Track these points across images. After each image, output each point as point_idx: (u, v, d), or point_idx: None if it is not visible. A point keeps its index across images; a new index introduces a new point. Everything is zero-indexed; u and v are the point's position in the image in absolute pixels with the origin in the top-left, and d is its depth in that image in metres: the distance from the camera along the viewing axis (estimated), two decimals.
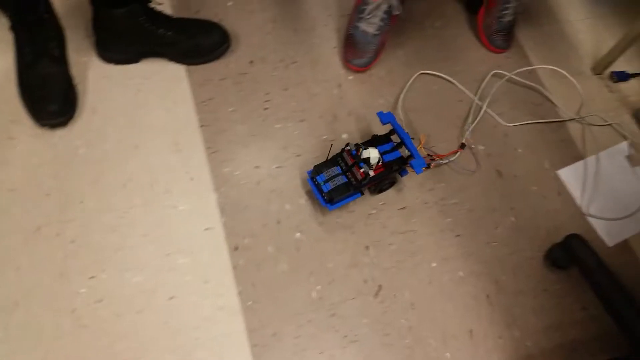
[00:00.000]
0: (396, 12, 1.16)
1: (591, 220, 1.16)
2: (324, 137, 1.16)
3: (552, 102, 1.27)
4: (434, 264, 1.07)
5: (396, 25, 1.25)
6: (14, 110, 1.09)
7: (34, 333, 0.92)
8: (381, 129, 1.14)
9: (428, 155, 1.15)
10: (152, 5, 1.09)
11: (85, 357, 0.91)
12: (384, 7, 1.15)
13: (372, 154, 0.99)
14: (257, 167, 1.10)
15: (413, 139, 1.10)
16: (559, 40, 1.37)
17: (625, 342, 1.01)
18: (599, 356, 1.02)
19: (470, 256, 1.08)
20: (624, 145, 1.26)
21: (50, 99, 1.07)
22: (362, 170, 0.99)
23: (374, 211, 1.10)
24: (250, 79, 1.19)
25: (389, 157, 1.04)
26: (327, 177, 1.01)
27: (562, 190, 1.18)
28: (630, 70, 1.36)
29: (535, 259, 1.10)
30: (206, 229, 1.03)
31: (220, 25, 1.19)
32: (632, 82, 1.36)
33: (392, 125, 1.04)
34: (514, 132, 1.22)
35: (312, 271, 1.03)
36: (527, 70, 1.30)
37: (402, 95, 1.22)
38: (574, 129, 1.25)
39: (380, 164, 1.02)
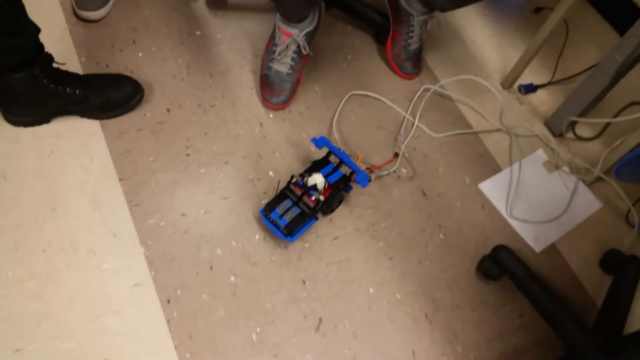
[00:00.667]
0: (305, 52, 1.19)
1: (517, 228, 1.21)
2: (251, 176, 1.16)
3: (468, 120, 1.34)
4: (371, 290, 1.08)
5: (309, 61, 1.29)
6: None
7: None
8: (313, 155, 1.16)
9: (367, 168, 1.19)
10: (56, 65, 1.07)
11: None
12: (293, 47, 1.18)
13: (318, 179, 1.05)
14: (183, 215, 1.09)
15: (350, 156, 1.14)
16: (466, 60, 1.45)
17: (561, 344, 1.04)
18: None
19: (405, 277, 1.10)
20: (539, 153, 1.33)
21: None
22: (312, 197, 1.04)
23: (307, 244, 1.10)
24: (169, 126, 1.18)
25: (333, 178, 1.09)
26: (280, 212, 1.04)
27: (485, 204, 1.22)
28: (536, 82, 1.45)
29: (468, 272, 1.13)
30: (135, 285, 1.00)
31: (130, 78, 1.18)
32: (540, 93, 1.44)
33: (327, 147, 1.11)
34: (434, 153, 1.27)
35: (250, 314, 1.01)
36: (441, 90, 1.36)
37: (335, 117, 1.27)
38: (490, 142, 1.31)
39: (326, 186, 1.07)
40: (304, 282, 1.06)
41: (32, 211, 1.04)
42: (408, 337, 1.04)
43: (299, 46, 1.18)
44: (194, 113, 1.22)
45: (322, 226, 1.13)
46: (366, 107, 1.31)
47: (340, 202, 1.14)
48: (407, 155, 1.25)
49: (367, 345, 1.02)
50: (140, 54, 1.28)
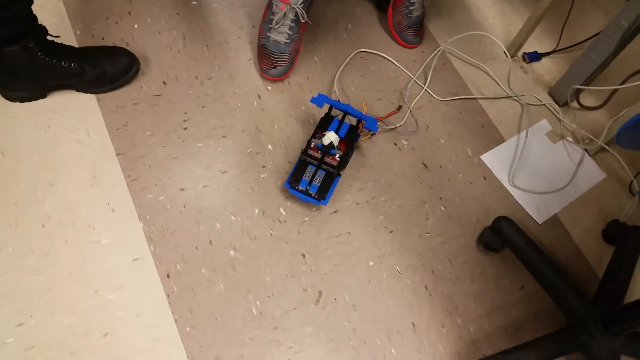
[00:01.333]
0: (304, 20, 1.16)
1: (519, 199, 1.19)
2: (249, 150, 1.15)
3: (472, 89, 1.31)
4: (371, 263, 1.08)
5: (309, 31, 1.26)
6: None
7: None
8: (312, 127, 1.14)
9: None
10: (50, 37, 1.05)
11: None
12: (291, 15, 1.15)
13: (332, 136, 1.06)
14: (182, 189, 1.08)
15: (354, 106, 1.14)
16: (470, 28, 1.41)
17: (562, 315, 1.04)
18: (542, 332, 1.05)
19: (405, 250, 1.10)
20: (543, 123, 1.31)
21: None
22: (335, 156, 1.06)
23: (306, 218, 1.10)
24: (166, 100, 1.16)
25: (343, 132, 1.09)
26: (308, 180, 1.06)
27: (487, 175, 1.21)
28: (540, 50, 1.41)
29: (469, 245, 1.13)
30: (134, 260, 1.00)
31: (126, 50, 1.16)
32: (545, 61, 1.41)
33: (328, 103, 1.11)
34: (436, 124, 1.25)
35: (250, 287, 1.02)
36: (449, 53, 1.33)
37: (337, 75, 1.25)
38: (492, 112, 1.29)
39: (339, 141, 1.08)
40: (303, 255, 1.06)
41: (30, 187, 1.04)
42: (408, 310, 1.04)
43: (297, 14, 1.15)
44: (191, 86, 1.20)
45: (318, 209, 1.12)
46: (369, 69, 1.29)
47: (352, 152, 1.15)
48: (411, 110, 1.24)
49: (367, 318, 1.02)
50: (136, 26, 1.25)
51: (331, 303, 1.03)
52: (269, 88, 1.23)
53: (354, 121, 1.13)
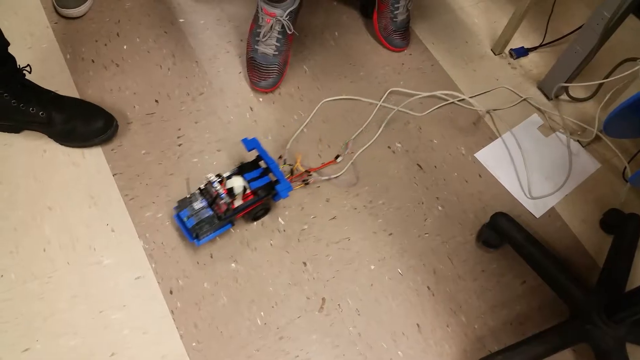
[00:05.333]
0: (290, 32, 1.17)
1: (516, 195, 1.20)
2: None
3: (461, 87, 1.32)
4: (372, 267, 1.08)
5: (296, 41, 1.27)
6: None
7: None
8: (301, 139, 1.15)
9: (306, 171, 1.13)
10: (28, 78, 1.04)
11: None
12: (277, 27, 1.16)
13: (236, 183, 0.97)
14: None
15: (282, 158, 1.12)
16: (455, 28, 1.43)
17: (564, 307, 1.05)
18: (546, 325, 1.05)
19: (405, 252, 1.10)
20: (534, 118, 1.32)
21: None
22: (223, 201, 0.97)
23: (305, 226, 1.10)
24: (159, 117, 1.17)
25: (258, 184, 1.01)
26: (191, 212, 0.98)
27: (482, 172, 1.22)
28: (527, 45, 1.43)
29: (468, 242, 1.13)
30: (137, 278, 1.00)
31: (104, 112, 1.11)
32: (532, 56, 1.42)
33: (257, 150, 1.04)
34: (427, 126, 1.26)
35: (254, 299, 1.02)
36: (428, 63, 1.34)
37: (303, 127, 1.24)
38: (483, 110, 1.30)
39: (248, 192, 1.00)
40: (304, 263, 1.07)
41: (29, 212, 1.04)
42: (412, 311, 1.04)
43: (283, 26, 1.16)
44: (183, 102, 1.21)
45: (320, 207, 1.13)
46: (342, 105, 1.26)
47: (266, 211, 1.08)
48: (353, 161, 1.17)
49: (372, 322, 1.02)
50: (125, 47, 1.26)
51: (335, 309, 1.03)
52: (261, 100, 1.24)
53: (275, 178, 1.03)
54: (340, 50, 1.33)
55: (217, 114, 1.21)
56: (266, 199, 1.04)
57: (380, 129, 1.23)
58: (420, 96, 1.29)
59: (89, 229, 1.04)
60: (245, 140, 1.05)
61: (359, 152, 1.19)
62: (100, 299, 0.98)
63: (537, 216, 1.18)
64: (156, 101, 1.20)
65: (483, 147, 1.25)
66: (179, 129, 1.17)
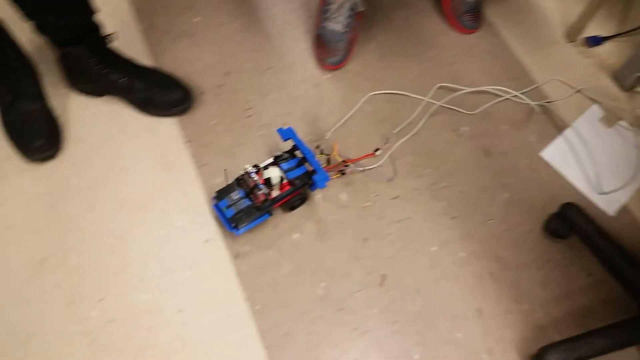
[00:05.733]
0: (360, 9, 1.17)
1: (585, 191, 1.16)
2: (308, 137, 1.16)
3: (532, 75, 1.29)
4: (434, 248, 1.07)
5: (364, 19, 1.27)
6: (3, 149, 1.10)
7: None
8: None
9: (343, 161, 1.11)
10: (112, 46, 1.08)
11: None
12: (347, 4, 1.16)
13: (273, 173, 0.97)
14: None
15: (319, 147, 1.11)
16: (528, 12, 1.39)
17: (632, 303, 1.01)
18: (609, 320, 1.02)
19: (468, 236, 1.09)
20: (595, 109, 1.27)
21: (35, 135, 1.08)
22: (261, 192, 0.97)
23: (368, 204, 1.11)
24: (229, 89, 1.20)
25: (294, 174, 1.01)
26: (229, 202, 0.98)
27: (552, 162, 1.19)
28: (603, 33, 1.37)
29: (534, 231, 1.11)
30: (205, 241, 1.04)
31: (183, 85, 1.14)
32: (607, 45, 1.37)
33: (293, 140, 1.02)
34: (498, 111, 1.23)
35: (315, 270, 1.03)
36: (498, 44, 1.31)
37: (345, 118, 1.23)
38: (555, 97, 1.26)
39: (285, 182, 1.00)
40: (365, 239, 1.07)
41: (105, 172, 1.09)
42: (473, 295, 1.03)
43: (353, 3, 1.16)
44: (252, 76, 1.23)
45: (382, 186, 1.13)
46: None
47: (303, 201, 1.07)
48: (392, 156, 1.15)
49: (431, 302, 1.02)
50: (197, 19, 1.29)
51: (395, 286, 1.03)
52: (327, 76, 1.25)
53: (311, 168, 1.02)
54: (409, 30, 1.32)
55: (284, 89, 1.22)
56: (303, 188, 1.03)
57: (423, 121, 1.21)
58: (479, 89, 1.26)
59: (161, 192, 1.07)
60: (280, 130, 1.03)
61: (396, 145, 1.18)
62: (171, 258, 1.02)
63: (607, 211, 1.14)
64: (227, 73, 1.22)
65: (552, 136, 1.21)
66: (248, 102, 1.20)
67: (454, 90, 1.24)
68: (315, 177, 0.98)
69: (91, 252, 1.01)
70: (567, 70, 1.30)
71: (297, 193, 1.03)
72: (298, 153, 1.03)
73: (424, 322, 1.00)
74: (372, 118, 1.20)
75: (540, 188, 1.15)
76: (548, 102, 1.25)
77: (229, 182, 1.01)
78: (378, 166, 1.15)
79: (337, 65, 1.23)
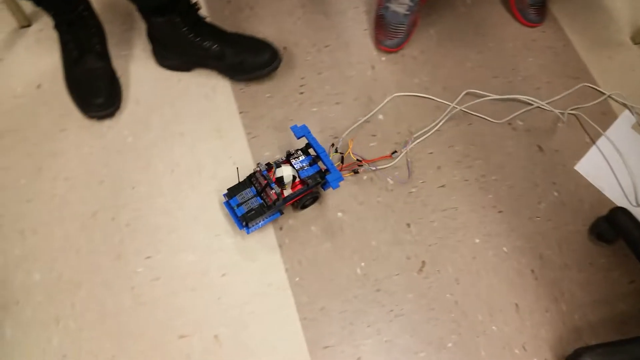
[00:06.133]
0: None
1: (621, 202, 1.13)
2: (360, 119, 1.17)
3: (594, 74, 1.26)
4: (477, 240, 1.07)
5: (427, 4, 1.25)
6: (64, 104, 1.14)
7: (97, 310, 0.97)
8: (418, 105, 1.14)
9: (357, 160, 1.11)
10: (201, 15, 1.09)
11: (144, 331, 0.96)
12: None
13: (285, 172, 0.96)
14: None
15: (334, 146, 1.11)
16: (595, 10, 1.35)
17: None
18: None
19: (513, 232, 1.08)
20: (626, 114, 1.22)
21: (96, 92, 1.11)
22: (273, 191, 0.95)
23: (413, 189, 1.11)
24: (284, 64, 1.21)
25: (307, 173, 0.98)
26: (240, 200, 0.97)
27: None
28: None
29: (580, 233, 1.09)
30: None
31: (272, 47, 1.15)
32: None
33: (306, 138, 1.00)
34: (556, 107, 1.21)
35: (356, 249, 1.05)
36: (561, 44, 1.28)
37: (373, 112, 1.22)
38: (612, 100, 1.23)
39: (297, 180, 0.98)
40: (408, 225, 1.08)
41: (161, 135, 1.12)
42: (512, 290, 1.03)
43: None
44: (308, 52, 1.23)
45: (430, 173, 1.12)
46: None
47: (314, 199, 1.05)
48: (409, 158, 1.13)
49: (469, 293, 1.02)
50: None
51: (434, 274, 1.04)
52: (383, 59, 1.24)
53: (325, 167, 0.99)
54: (471, 19, 1.30)
55: (339, 68, 1.22)
56: (315, 188, 1.02)
57: (441, 122, 1.19)
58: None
59: (213, 159, 1.10)
60: (294, 128, 1.00)
61: (416, 141, 1.17)
62: (217, 224, 1.04)
63: None
64: (284, 48, 1.23)
65: (581, 153, 1.17)
66: (302, 78, 1.20)
67: (480, 96, 1.22)
68: (329, 177, 0.95)
69: (143, 211, 1.05)
70: (630, 73, 1.26)
71: (309, 192, 1.01)
72: (312, 151, 1.01)
73: (460, 312, 1.01)
74: (428, 104, 1.19)
75: (589, 190, 1.13)
76: (579, 106, 1.22)
77: (241, 179, 1.00)
78: (391, 165, 1.13)
79: (394, 49, 1.23)
